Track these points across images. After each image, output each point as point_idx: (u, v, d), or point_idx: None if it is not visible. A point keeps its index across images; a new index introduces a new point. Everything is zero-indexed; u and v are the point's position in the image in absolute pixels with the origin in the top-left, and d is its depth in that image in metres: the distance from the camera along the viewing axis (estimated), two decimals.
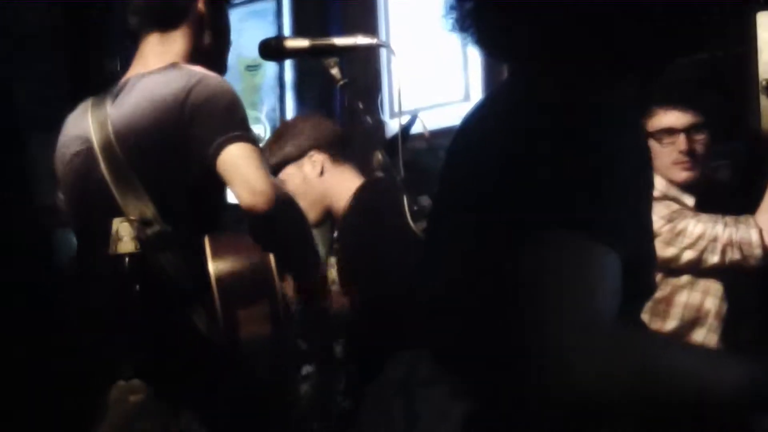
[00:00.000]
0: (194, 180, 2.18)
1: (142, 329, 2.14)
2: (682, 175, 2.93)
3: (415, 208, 2.25)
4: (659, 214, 2.84)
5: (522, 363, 1.15)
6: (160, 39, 2.33)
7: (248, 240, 2.14)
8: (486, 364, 1.28)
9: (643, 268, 1.28)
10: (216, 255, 2.09)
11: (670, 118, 2.92)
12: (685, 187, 2.96)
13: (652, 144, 2.90)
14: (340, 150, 3.01)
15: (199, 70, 2.25)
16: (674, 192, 2.95)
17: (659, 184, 2.92)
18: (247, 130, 2.20)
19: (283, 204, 2.15)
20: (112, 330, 2.17)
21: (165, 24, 2.32)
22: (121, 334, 2.15)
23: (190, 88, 2.18)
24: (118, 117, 2.24)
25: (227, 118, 2.16)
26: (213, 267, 2.07)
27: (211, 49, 2.38)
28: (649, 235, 1.32)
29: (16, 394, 3.11)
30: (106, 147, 2.21)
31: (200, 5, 2.31)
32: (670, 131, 2.91)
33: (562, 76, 1.27)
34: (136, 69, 2.34)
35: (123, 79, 2.35)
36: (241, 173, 2.12)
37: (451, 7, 1.35)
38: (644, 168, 1.28)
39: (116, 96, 2.29)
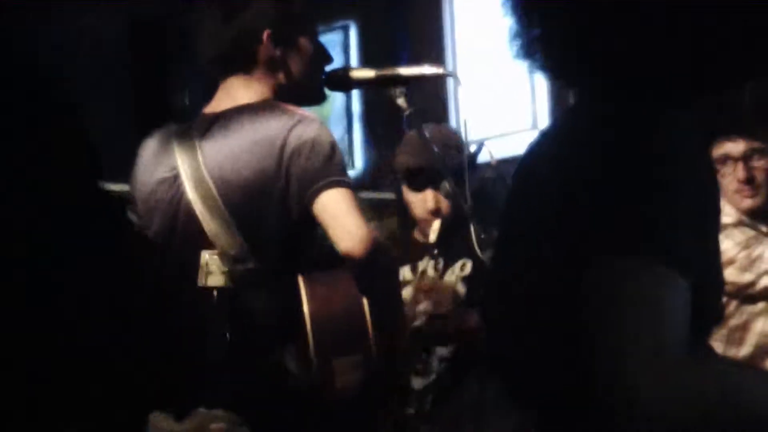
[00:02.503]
0: (289, 220, 2.19)
1: (229, 362, 2.14)
2: (746, 203, 2.90)
3: (482, 236, 2.24)
4: (735, 240, 2.81)
5: (592, 391, 1.14)
6: (241, 80, 2.34)
7: (342, 284, 2.15)
8: (555, 392, 1.27)
9: (710, 295, 1.26)
10: (312, 298, 2.09)
11: (727, 145, 2.90)
12: (758, 213, 2.92)
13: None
14: None
15: (297, 111, 2.24)
16: (748, 218, 2.91)
17: (734, 210, 2.89)
18: (345, 175, 2.21)
19: (379, 250, 2.16)
20: (197, 360, 2.18)
21: (238, 71, 2.34)
22: (206, 365, 2.16)
23: (289, 130, 2.18)
24: (212, 151, 2.24)
25: (326, 164, 2.17)
26: (309, 309, 2.07)
27: (299, 81, 2.39)
28: (716, 261, 1.30)
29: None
30: (198, 179, 2.22)
31: (266, 49, 2.32)
32: (727, 159, 2.88)
33: (629, 101, 1.27)
34: (223, 103, 2.33)
35: (210, 112, 2.34)
36: (339, 219, 2.13)
37: (516, 34, 1.34)
38: (712, 193, 1.26)
39: (206, 129, 2.29)
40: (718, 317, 1.36)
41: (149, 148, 2.38)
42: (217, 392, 2.13)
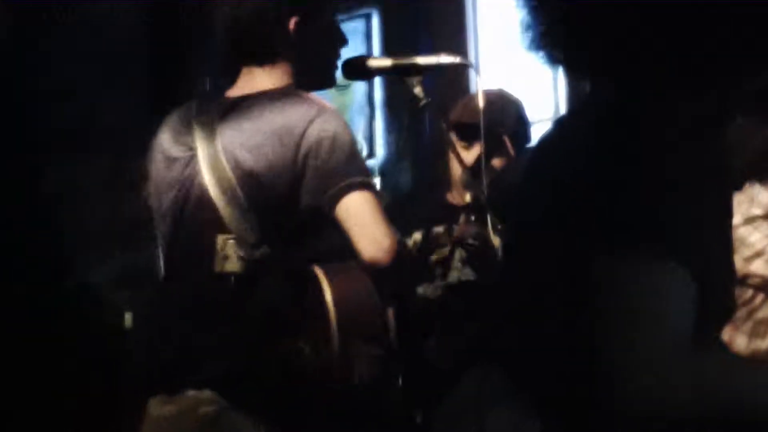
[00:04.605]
0: (297, 211, 2.17)
1: (240, 348, 2.12)
2: None
3: (498, 226, 2.24)
4: (764, 233, 2.78)
5: (596, 382, 1.14)
6: (263, 68, 2.33)
7: (361, 277, 2.13)
8: (560, 381, 1.28)
9: (720, 289, 1.26)
10: (333, 286, 2.08)
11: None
12: None
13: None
14: None
15: (318, 102, 2.23)
16: None
17: (766, 200, 2.86)
18: (368, 175, 2.19)
19: (403, 255, 2.15)
20: (203, 342, 2.16)
21: (262, 61, 2.33)
22: (204, 347, 2.16)
23: (309, 122, 2.16)
24: (230, 136, 2.23)
25: (348, 163, 2.15)
26: (332, 297, 2.06)
27: (316, 66, 2.38)
28: (726, 254, 1.30)
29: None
30: (215, 162, 2.20)
31: (288, 35, 2.29)
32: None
33: (639, 92, 1.27)
34: (246, 88, 2.33)
35: (232, 96, 2.33)
36: (364, 226, 2.11)
37: (528, 26, 1.35)
38: (723, 184, 1.26)
39: (227, 113, 2.28)
40: (728, 311, 1.36)
41: (169, 125, 2.37)
42: (208, 374, 2.12)
